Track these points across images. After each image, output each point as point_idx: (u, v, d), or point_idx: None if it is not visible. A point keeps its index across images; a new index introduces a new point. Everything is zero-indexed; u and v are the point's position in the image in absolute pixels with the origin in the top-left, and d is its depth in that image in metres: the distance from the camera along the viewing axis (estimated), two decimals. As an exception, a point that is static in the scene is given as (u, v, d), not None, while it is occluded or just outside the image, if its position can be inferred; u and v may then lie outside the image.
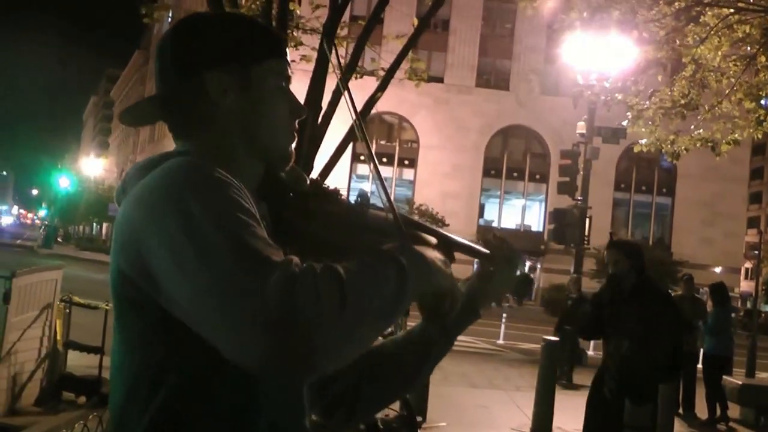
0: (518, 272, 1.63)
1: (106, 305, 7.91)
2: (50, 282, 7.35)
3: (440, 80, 48.28)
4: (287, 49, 1.47)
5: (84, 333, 8.44)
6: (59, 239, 70.32)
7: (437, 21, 49.44)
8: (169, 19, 18.53)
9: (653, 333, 5.63)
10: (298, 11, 10.60)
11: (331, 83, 9.00)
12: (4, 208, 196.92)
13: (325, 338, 1.09)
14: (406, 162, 49.76)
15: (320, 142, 8.97)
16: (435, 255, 1.35)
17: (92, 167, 79.16)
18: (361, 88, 9.36)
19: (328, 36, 8.77)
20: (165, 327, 1.22)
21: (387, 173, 49.95)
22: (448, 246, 1.47)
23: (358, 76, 9.78)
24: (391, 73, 9.48)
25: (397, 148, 49.81)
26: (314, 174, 9.01)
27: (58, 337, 7.81)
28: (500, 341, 19.63)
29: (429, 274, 1.30)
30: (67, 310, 8.18)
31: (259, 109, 1.40)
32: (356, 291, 1.13)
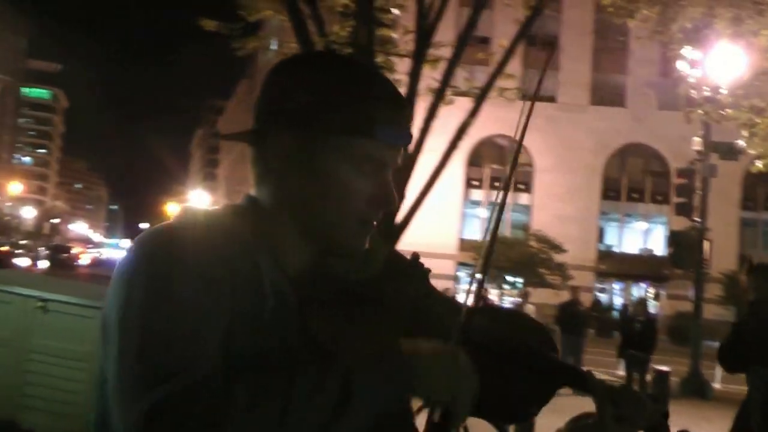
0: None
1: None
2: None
3: (552, 99, 47.91)
4: (392, 128, 1.27)
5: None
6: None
7: (546, 39, 49.18)
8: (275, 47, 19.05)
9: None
10: (394, 35, 10.90)
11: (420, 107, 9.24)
12: (115, 241, 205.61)
13: None
14: (521, 186, 49.41)
15: (411, 171, 9.16)
16: (430, 349, 1.18)
17: (199, 199, 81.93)
18: (456, 111, 9.52)
19: (417, 60, 9.01)
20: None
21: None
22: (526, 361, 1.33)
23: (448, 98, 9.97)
24: (483, 95, 9.61)
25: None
26: (408, 201, 9.21)
27: None
28: (620, 372, 19.24)
29: (401, 383, 1.15)
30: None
31: (317, 189, 1.26)
32: (248, 415, 1.05)
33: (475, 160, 48.66)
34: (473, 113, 9.69)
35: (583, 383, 1.36)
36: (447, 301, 1.35)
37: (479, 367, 1.21)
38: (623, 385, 1.39)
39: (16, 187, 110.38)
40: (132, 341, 1.10)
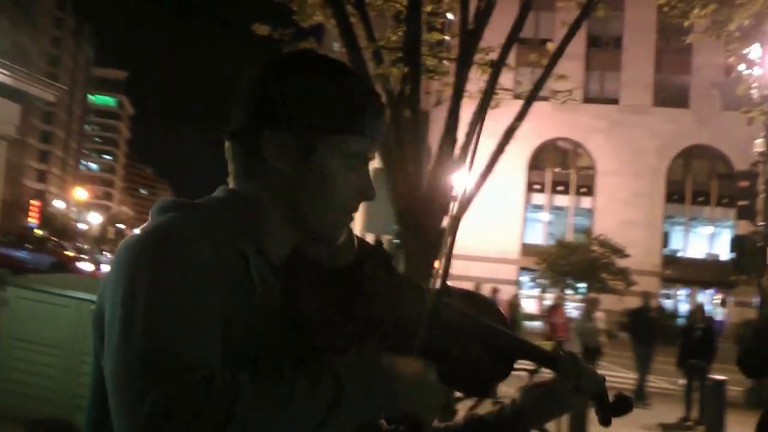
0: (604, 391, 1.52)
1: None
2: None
3: (614, 101, 47.38)
4: (375, 124, 1.36)
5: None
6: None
7: (609, 39, 48.63)
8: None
9: None
10: (446, 37, 10.91)
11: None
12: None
13: None
14: (583, 190, 48.92)
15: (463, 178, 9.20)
16: (409, 369, 1.24)
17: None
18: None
19: (463, 63, 9.01)
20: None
21: (563, 202, 49.26)
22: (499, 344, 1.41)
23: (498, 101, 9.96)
24: (531, 98, 9.57)
25: (574, 175, 49.15)
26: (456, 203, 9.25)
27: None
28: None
29: (386, 394, 1.20)
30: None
31: (312, 184, 1.33)
32: (252, 413, 1.08)
33: (536, 163, 48.34)
34: (520, 116, 9.67)
35: (543, 357, 1.48)
36: (412, 283, 1.40)
37: (446, 343, 1.34)
38: (577, 357, 1.52)
39: (81, 193, 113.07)
40: (136, 338, 1.12)
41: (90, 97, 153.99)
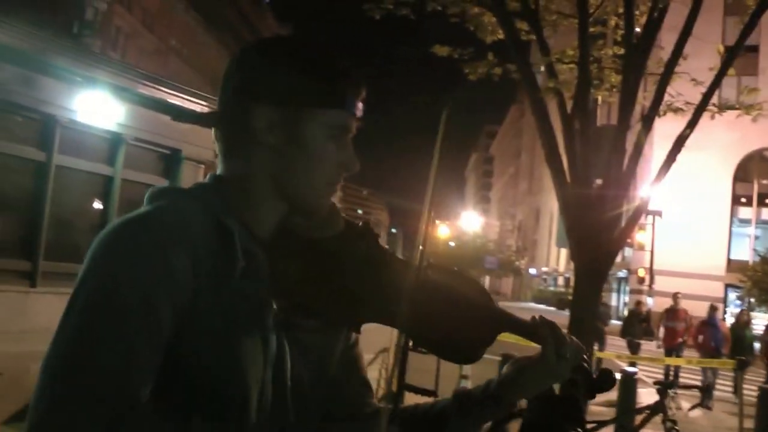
0: (583, 366, 1.56)
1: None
2: (387, 327, 8.74)
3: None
4: (354, 100, 1.46)
5: (419, 376, 9.73)
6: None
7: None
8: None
9: None
10: (610, 51, 11.11)
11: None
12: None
13: None
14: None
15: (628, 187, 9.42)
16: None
17: (471, 221, 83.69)
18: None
19: (633, 71, 9.23)
20: None
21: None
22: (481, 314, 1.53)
23: (662, 113, 10.07)
24: (701, 108, 9.60)
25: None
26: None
27: (392, 377, 9.17)
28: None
29: None
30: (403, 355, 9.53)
31: (298, 156, 1.42)
32: None
33: (742, 175, 45.74)
34: (691, 125, 9.69)
35: (524, 329, 1.55)
36: (395, 258, 1.53)
37: (433, 315, 1.48)
38: (555, 324, 1.56)
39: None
40: (61, 344, 1.18)
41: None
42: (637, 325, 18.46)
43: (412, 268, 1.40)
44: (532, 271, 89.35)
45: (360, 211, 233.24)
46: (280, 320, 1.38)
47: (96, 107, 10.67)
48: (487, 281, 79.62)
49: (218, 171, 1.46)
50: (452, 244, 78.35)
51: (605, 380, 1.55)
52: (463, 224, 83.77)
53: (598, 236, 9.57)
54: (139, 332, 1.18)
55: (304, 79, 1.41)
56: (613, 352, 18.19)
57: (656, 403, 7.64)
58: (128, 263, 1.21)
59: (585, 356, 1.57)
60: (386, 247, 1.54)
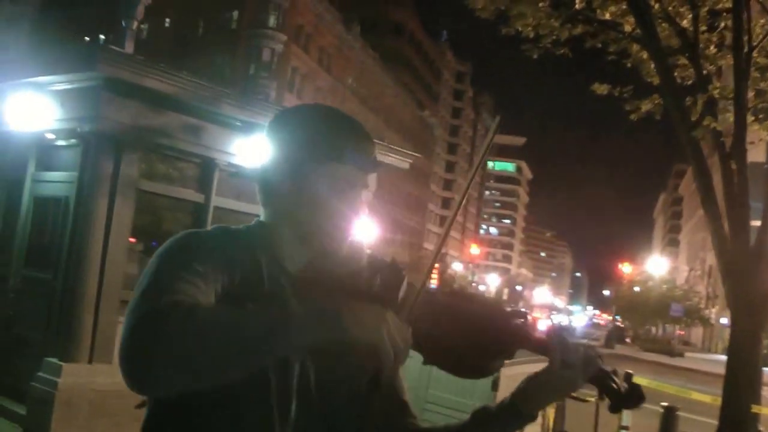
0: (615, 380, 1.59)
1: (594, 398, 8.62)
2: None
3: None
4: (360, 156, 1.69)
5: (577, 424, 9.23)
6: (627, 339, 72.00)
7: None
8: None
9: None
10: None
11: None
12: (578, 308, 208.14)
13: (165, 362, 1.32)
14: None
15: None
16: (364, 309, 1.46)
17: (658, 265, 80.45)
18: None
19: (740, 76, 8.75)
20: None
21: None
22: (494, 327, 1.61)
23: None
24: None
25: None
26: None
27: (550, 423, 8.77)
28: None
29: (333, 327, 1.41)
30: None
31: (307, 204, 1.68)
32: (209, 317, 1.38)
33: None
34: None
35: (535, 343, 1.61)
36: (415, 289, 1.58)
37: (452, 337, 1.58)
38: (564, 335, 1.62)
39: (474, 250, 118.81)
40: (142, 283, 1.47)
41: (489, 163, 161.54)
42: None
43: (420, 291, 1.55)
44: (723, 320, 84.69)
45: (543, 254, 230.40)
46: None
47: (254, 150, 10.87)
48: (675, 331, 75.97)
49: (261, 217, 1.76)
50: (637, 288, 75.46)
51: (631, 395, 1.57)
52: (650, 268, 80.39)
53: (756, 283, 9.07)
54: (184, 268, 1.49)
55: (308, 137, 1.69)
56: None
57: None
58: (182, 241, 1.59)
59: (609, 370, 1.60)
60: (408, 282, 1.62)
